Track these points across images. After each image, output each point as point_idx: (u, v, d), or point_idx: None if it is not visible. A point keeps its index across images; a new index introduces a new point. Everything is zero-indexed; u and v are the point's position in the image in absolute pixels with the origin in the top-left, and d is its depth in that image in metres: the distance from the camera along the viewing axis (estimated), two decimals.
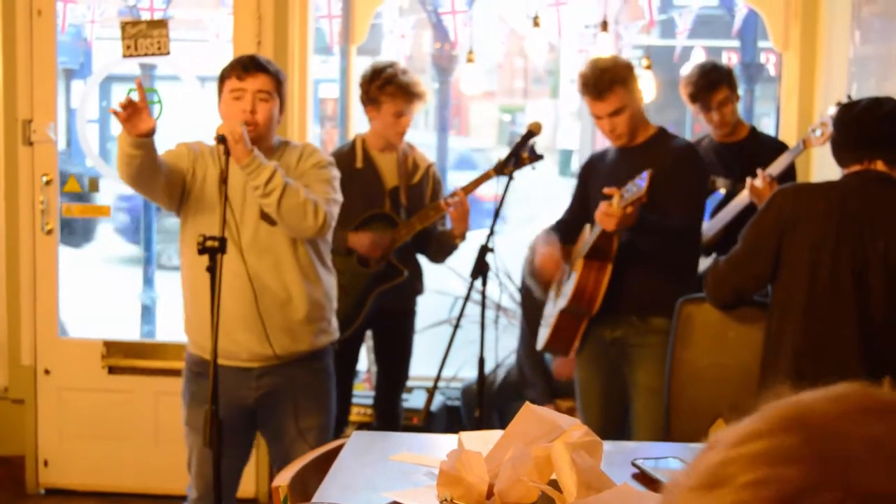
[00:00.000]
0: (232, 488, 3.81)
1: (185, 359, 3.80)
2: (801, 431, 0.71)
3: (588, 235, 4.13)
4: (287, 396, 3.69)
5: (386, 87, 4.61)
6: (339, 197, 3.72)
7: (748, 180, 4.39)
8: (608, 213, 3.86)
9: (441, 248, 4.80)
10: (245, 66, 3.58)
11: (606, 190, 3.95)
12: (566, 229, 4.34)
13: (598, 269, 4.03)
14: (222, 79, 3.62)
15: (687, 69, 4.87)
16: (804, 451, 0.69)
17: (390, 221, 4.68)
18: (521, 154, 4.36)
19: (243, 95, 3.55)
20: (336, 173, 3.75)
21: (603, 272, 4.03)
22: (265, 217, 3.58)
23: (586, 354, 4.26)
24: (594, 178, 4.28)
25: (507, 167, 4.19)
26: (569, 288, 4.12)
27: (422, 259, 4.91)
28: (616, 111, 4.05)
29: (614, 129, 4.09)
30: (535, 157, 4.43)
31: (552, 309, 4.31)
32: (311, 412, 3.73)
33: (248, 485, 4.93)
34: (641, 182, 3.76)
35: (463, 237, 4.67)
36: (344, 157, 4.73)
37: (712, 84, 4.64)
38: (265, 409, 3.70)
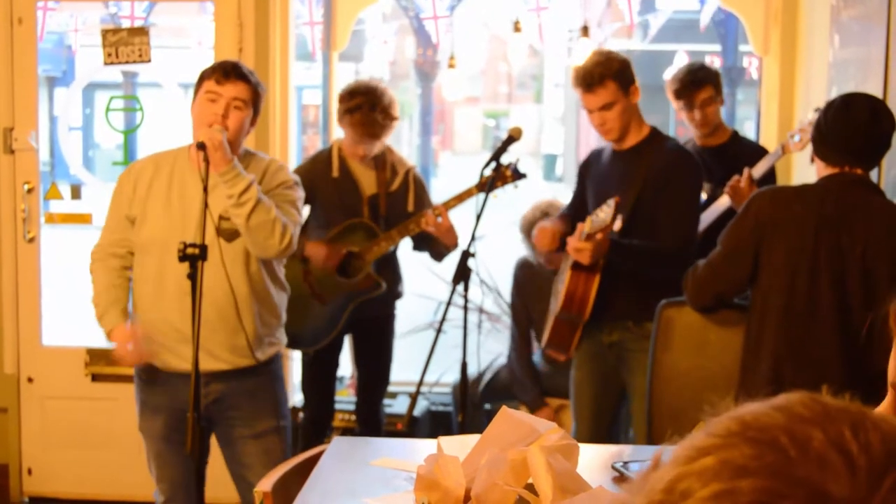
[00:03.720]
0: (198, 488, 3.81)
1: (134, 365, 3.79)
2: (752, 443, 0.72)
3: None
4: (235, 403, 3.69)
5: (346, 115, 4.57)
6: (303, 218, 3.73)
7: (734, 177, 4.40)
8: (578, 248, 3.90)
9: (438, 251, 4.80)
10: (226, 71, 3.55)
11: (580, 224, 3.97)
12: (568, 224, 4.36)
13: (587, 278, 4.04)
14: (201, 80, 3.59)
15: (671, 72, 4.91)
16: (756, 464, 0.70)
17: (370, 231, 4.67)
18: (504, 172, 4.36)
19: (218, 99, 3.52)
20: (301, 194, 3.73)
21: (591, 280, 4.04)
22: (222, 233, 3.56)
23: (583, 355, 4.27)
24: (590, 177, 4.31)
25: (488, 185, 4.17)
26: (560, 292, 4.14)
27: (401, 263, 4.91)
28: (606, 105, 4.04)
29: (604, 124, 4.08)
30: (518, 176, 4.44)
31: (551, 313, 4.34)
32: (260, 417, 3.72)
33: (231, 491, 4.92)
34: (607, 210, 3.78)
35: (454, 246, 4.67)
36: (320, 165, 4.72)
37: (698, 82, 4.67)
38: (215, 415, 3.69)
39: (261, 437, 3.72)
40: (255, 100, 3.60)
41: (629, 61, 4.12)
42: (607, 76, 4.02)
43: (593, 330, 4.16)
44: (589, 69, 4.04)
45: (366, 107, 4.53)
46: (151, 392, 3.70)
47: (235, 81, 3.54)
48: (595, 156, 4.36)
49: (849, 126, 3.35)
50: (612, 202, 3.79)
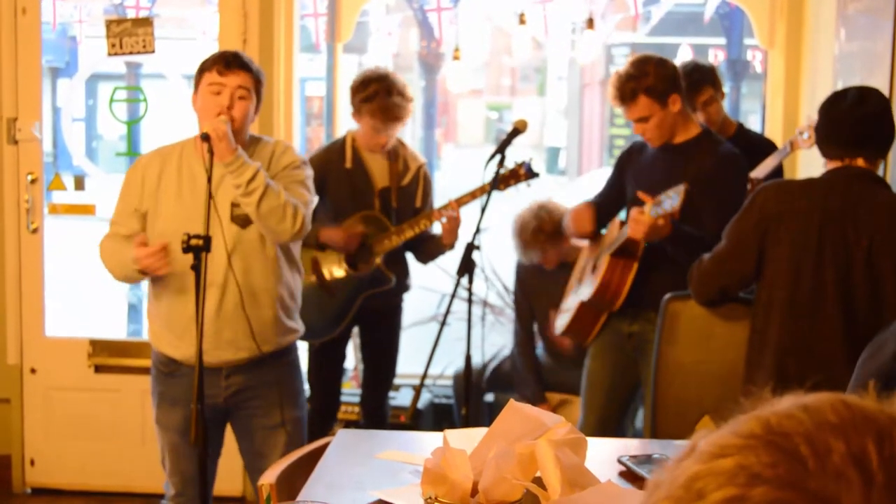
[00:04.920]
0: (202, 480, 3.81)
1: (152, 357, 3.77)
2: (771, 449, 0.71)
3: (617, 233, 4.12)
4: (255, 394, 3.68)
5: (365, 104, 4.58)
6: (315, 197, 3.71)
7: None
8: (638, 220, 3.86)
9: (429, 251, 4.80)
10: (228, 62, 3.53)
11: (640, 194, 3.93)
12: (597, 211, 4.36)
13: (624, 266, 4.04)
14: (201, 71, 3.57)
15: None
16: (771, 472, 0.70)
17: (380, 223, 4.67)
18: (518, 170, 4.38)
19: (222, 90, 3.51)
20: (309, 173, 3.72)
21: (628, 270, 4.04)
22: (235, 220, 3.56)
23: (600, 345, 4.27)
24: (631, 168, 4.27)
25: (494, 182, 4.17)
26: (593, 281, 4.13)
27: (409, 257, 4.91)
28: (641, 118, 4.03)
29: (643, 134, 4.09)
30: (532, 175, 4.45)
31: (573, 299, 4.33)
32: (279, 408, 3.70)
33: (235, 483, 4.93)
34: (676, 197, 3.73)
35: (452, 246, 4.66)
36: (334, 155, 4.72)
37: (695, 85, 4.60)
38: (235, 407, 3.69)
39: (280, 427, 3.70)
40: (257, 87, 3.59)
41: (669, 70, 4.04)
42: (639, 91, 3.97)
43: (614, 318, 4.17)
44: (622, 83, 4.00)
45: (382, 92, 4.55)
46: (171, 384, 3.67)
47: (237, 71, 3.53)
48: (638, 147, 4.31)
49: (837, 115, 3.36)
50: (681, 188, 3.73)
